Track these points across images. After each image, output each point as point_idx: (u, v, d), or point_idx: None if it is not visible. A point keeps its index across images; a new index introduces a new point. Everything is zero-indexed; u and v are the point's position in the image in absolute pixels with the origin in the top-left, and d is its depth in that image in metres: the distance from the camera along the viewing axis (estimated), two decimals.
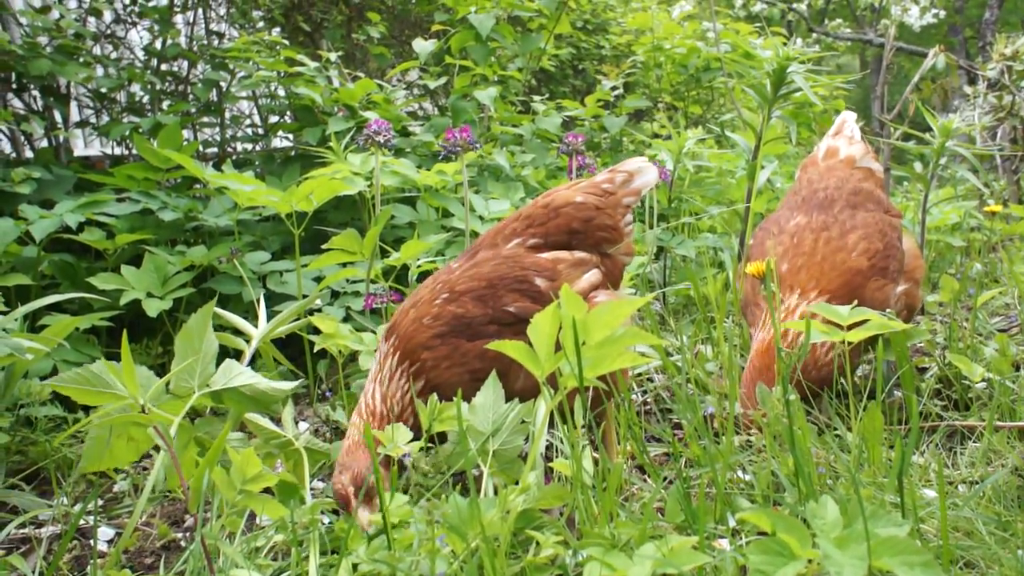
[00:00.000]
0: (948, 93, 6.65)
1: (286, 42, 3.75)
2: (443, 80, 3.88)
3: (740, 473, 1.44)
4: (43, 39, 3.56)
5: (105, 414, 1.44)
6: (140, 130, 3.45)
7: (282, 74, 3.70)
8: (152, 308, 2.40)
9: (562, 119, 4.63)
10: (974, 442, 1.67)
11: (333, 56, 3.67)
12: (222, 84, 4.15)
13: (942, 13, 9.45)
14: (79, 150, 4.62)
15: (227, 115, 4.37)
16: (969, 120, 6.66)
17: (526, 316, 1.55)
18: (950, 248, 3.55)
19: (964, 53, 17.17)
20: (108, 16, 4.41)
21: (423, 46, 3.76)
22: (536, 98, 4.05)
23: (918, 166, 5.63)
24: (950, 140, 2.86)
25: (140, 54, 4.39)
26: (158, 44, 4.16)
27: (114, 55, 4.35)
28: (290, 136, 4.52)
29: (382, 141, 2.16)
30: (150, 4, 4.15)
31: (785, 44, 10.41)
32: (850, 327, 1.61)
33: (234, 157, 4.26)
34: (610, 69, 4.42)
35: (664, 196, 3.24)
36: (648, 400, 2.09)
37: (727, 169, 3.14)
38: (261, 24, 4.96)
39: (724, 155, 3.33)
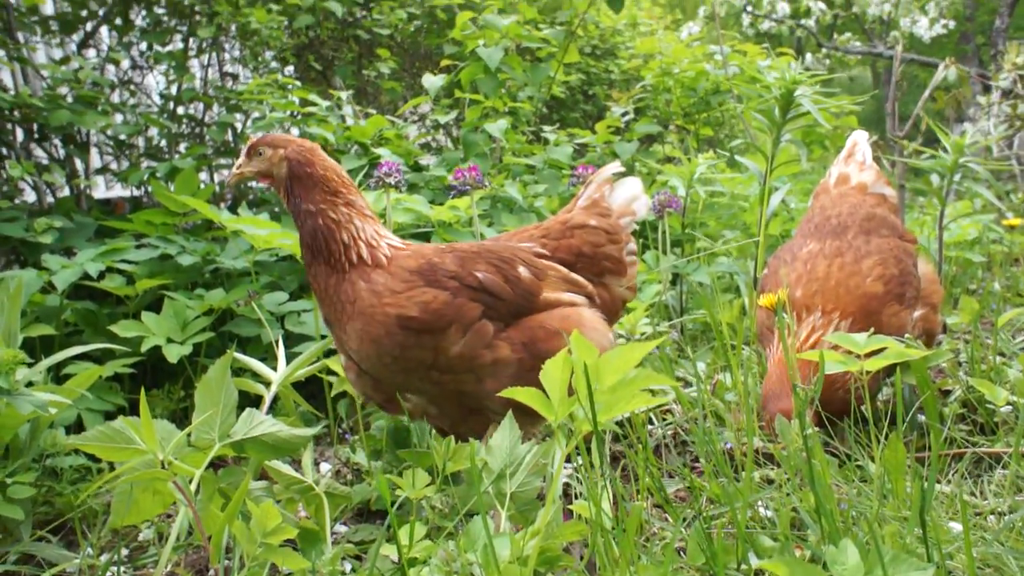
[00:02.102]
0: (962, 103, 6.62)
1: (298, 82, 3.81)
2: (453, 115, 3.92)
3: (761, 509, 1.43)
4: (63, 89, 3.65)
5: (129, 469, 1.46)
6: (157, 175, 3.51)
7: (296, 114, 3.76)
8: (172, 354, 2.43)
9: (574, 147, 4.66)
10: (1002, 469, 1.64)
11: (344, 95, 3.72)
12: (237, 125, 4.23)
13: (951, 24, 9.42)
14: (101, 192, 4.71)
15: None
16: (984, 130, 6.62)
17: (489, 288, 1.59)
18: (970, 263, 3.51)
19: (977, 60, 17.09)
20: (125, 63, 4.52)
21: (432, 81, 3.80)
22: (546, 128, 4.08)
23: (935, 179, 5.58)
24: (963, 156, 2.84)
25: (157, 99, 4.48)
26: (174, 89, 4.25)
27: (132, 101, 4.45)
28: None
29: (393, 182, 2.18)
30: (165, 50, 4.24)
31: (794, 61, 10.40)
32: (867, 355, 1.60)
33: (251, 197, 4.33)
34: (620, 95, 4.45)
35: (677, 222, 3.24)
36: (667, 433, 2.08)
37: (739, 193, 3.14)
38: (274, 64, 5.06)
39: (736, 179, 3.33)
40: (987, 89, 6.44)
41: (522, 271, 1.64)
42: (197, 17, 4.24)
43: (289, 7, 4.24)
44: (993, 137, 5.97)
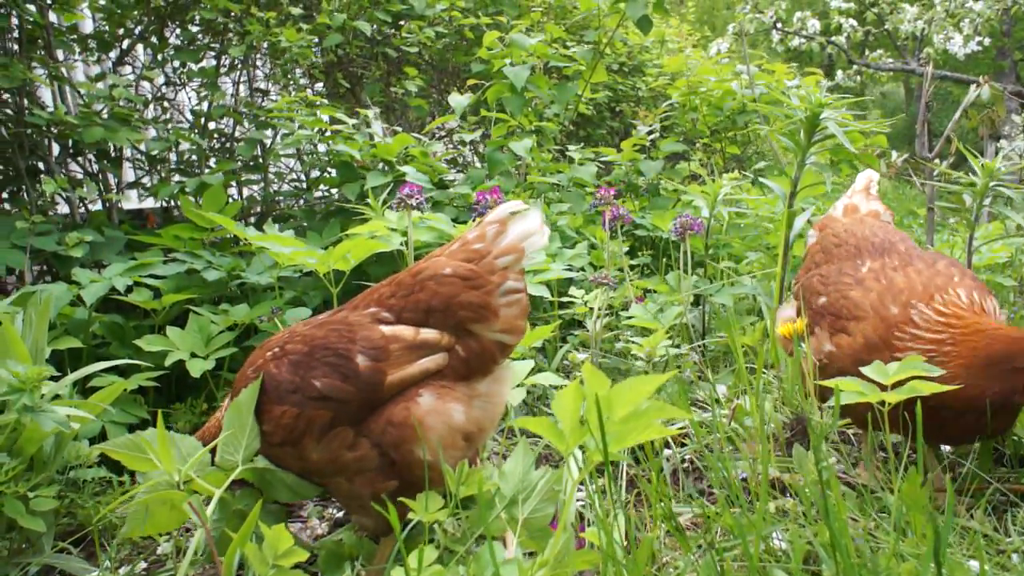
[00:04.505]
0: (996, 122, 6.50)
1: (325, 101, 3.86)
2: (479, 133, 3.94)
3: (777, 541, 1.41)
4: (98, 106, 3.73)
5: (151, 485, 1.48)
6: (186, 190, 3.57)
7: (323, 131, 3.81)
8: (195, 369, 2.47)
9: (598, 165, 4.65)
10: None
11: (371, 113, 3.77)
12: (266, 141, 4.29)
13: (986, 40, 9.26)
14: (134, 203, 4.80)
15: (271, 171, 4.51)
16: (1020, 149, 6.49)
17: (330, 395, 1.53)
18: (1001, 288, 3.45)
19: (1015, 76, 16.81)
20: (159, 79, 4.62)
21: (458, 100, 3.83)
22: (571, 148, 4.08)
23: (967, 198, 5.47)
24: (993, 180, 2.80)
25: (189, 115, 4.57)
26: (205, 105, 4.33)
27: (164, 116, 4.54)
28: (333, 190, 4.64)
29: (414, 204, 2.20)
30: (197, 67, 4.33)
31: (824, 79, 10.22)
32: (893, 386, 1.56)
33: (277, 212, 4.38)
34: (645, 113, 4.44)
35: (700, 243, 3.23)
36: (685, 458, 2.06)
37: (764, 214, 3.12)
38: (304, 80, 5.13)
39: (762, 199, 3.30)
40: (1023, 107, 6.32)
41: (360, 361, 1.55)
42: (230, 35, 4.33)
43: (319, 26, 4.30)
44: None
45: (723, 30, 10.38)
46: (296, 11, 4.21)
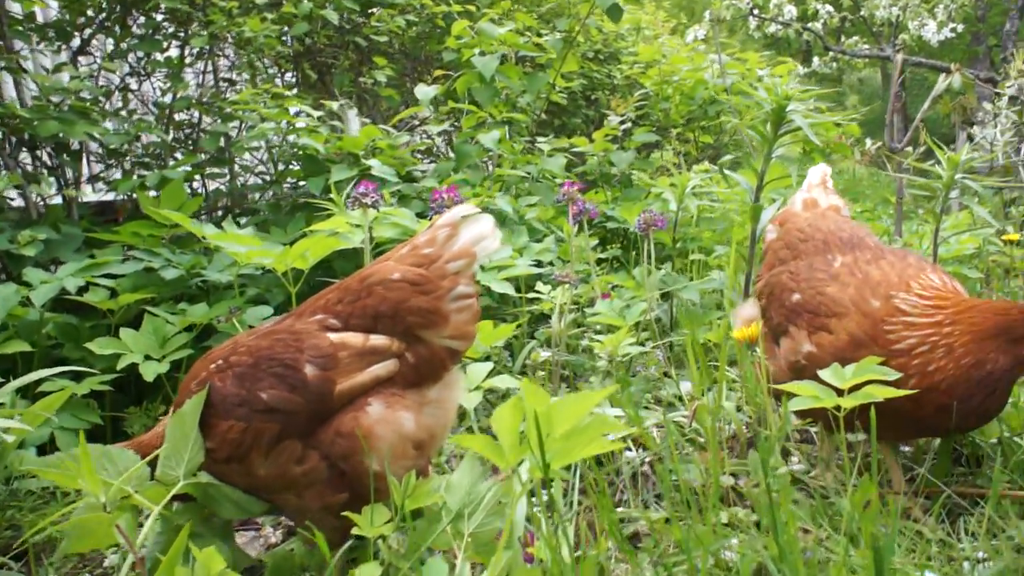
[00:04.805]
0: (967, 110, 6.53)
1: (290, 92, 3.78)
2: (447, 125, 3.88)
3: (729, 553, 1.39)
4: (57, 97, 3.63)
5: (88, 505, 1.43)
6: (147, 184, 3.49)
7: (290, 124, 3.73)
8: (149, 372, 2.41)
9: (569, 156, 4.61)
10: (983, 507, 1.59)
11: (335, 105, 3.69)
12: (232, 133, 4.21)
13: (960, 27, 9.29)
14: (99, 195, 4.70)
15: (239, 163, 4.42)
16: (991, 137, 6.53)
17: (278, 407, 1.48)
18: (967, 280, 3.45)
19: (988, 62, 16.90)
20: (124, 69, 4.51)
21: (425, 91, 3.77)
22: (541, 139, 4.03)
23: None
24: (959, 173, 2.79)
25: (153, 106, 4.47)
26: (169, 97, 4.23)
27: (128, 108, 4.44)
28: (302, 182, 4.57)
29: (369, 203, 2.15)
30: (161, 58, 4.23)
31: (801, 67, 10.15)
32: (850, 390, 1.54)
33: (244, 205, 4.31)
34: (617, 103, 4.40)
35: (668, 237, 3.20)
36: (647, 460, 2.04)
37: (732, 208, 3.09)
38: (273, 70, 5.03)
39: (734, 191, 3.27)
40: (997, 93, 6.34)
41: (308, 371, 1.50)
42: (195, 25, 4.23)
43: (285, 15, 4.21)
44: (1000, 144, 5.88)
45: (700, 17, 10.34)
46: (261, 0, 4.11)
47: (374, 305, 1.59)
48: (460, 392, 1.66)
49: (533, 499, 1.59)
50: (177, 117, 4.33)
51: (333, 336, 1.57)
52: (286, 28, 4.40)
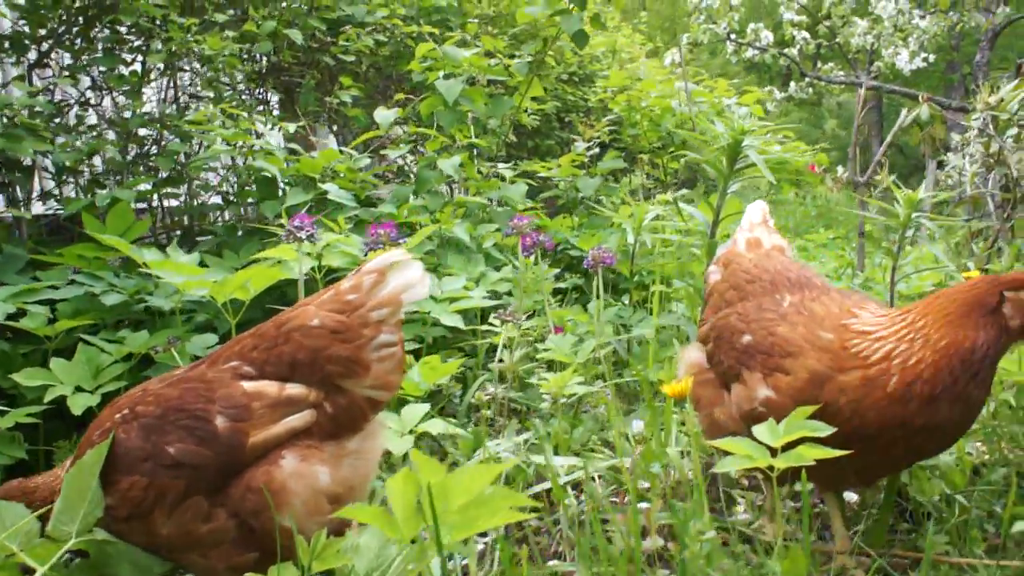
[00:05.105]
0: (936, 141, 6.57)
1: (244, 114, 3.71)
2: (405, 150, 3.82)
3: None
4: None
5: None
6: (96, 204, 3.39)
7: (251, 145, 3.65)
8: (77, 405, 2.31)
9: (537, 181, 4.56)
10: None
11: (292, 127, 3.63)
12: (191, 152, 4.12)
13: (931, 57, 9.40)
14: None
15: (196, 183, 4.33)
16: (960, 167, 6.57)
17: (186, 461, 1.42)
18: None
19: (963, 90, 17.15)
20: (85, 83, 4.42)
21: (384, 116, 3.72)
22: (502, 165, 3.98)
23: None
24: (916, 212, 2.76)
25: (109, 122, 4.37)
26: (129, 112, 4.14)
27: (87, 123, 4.34)
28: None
29: (303, 237, 2.08)
30: (121, 73, 4.15)
31: (775, 92, 10.20)
32: (784, 447, 1.48)
33: (200, 226, 4.22)
34: (584, 128, 4.36)
35: (626, 268, 3.15)
36: (585, 509, 1.97)
37: (688, 242, 3.05)
38: (243, 86, 4.96)
39: (696, 222, 3.23)
40: (962, 125, 6.39)
41: (219, 423, 1.44)
42: (155, 41, 4.15)
43: (247, 33, 4.14)
44: (967, 175, 5.91)
45: (677, 40, 10.39)
46: (221, 17, 4.04)
47: (291, 352, 1.53)
48: (382, 442, 1.59)
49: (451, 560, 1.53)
50: (142, 133, 4.24)
51: (247, 385, 1.50)
52: (251, 46, 4.34)
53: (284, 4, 4.43)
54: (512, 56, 4.70)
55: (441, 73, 3.97)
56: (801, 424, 1.47)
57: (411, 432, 1.94)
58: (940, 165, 7.37)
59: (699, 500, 1.29)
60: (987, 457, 1.90)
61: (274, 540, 1.41)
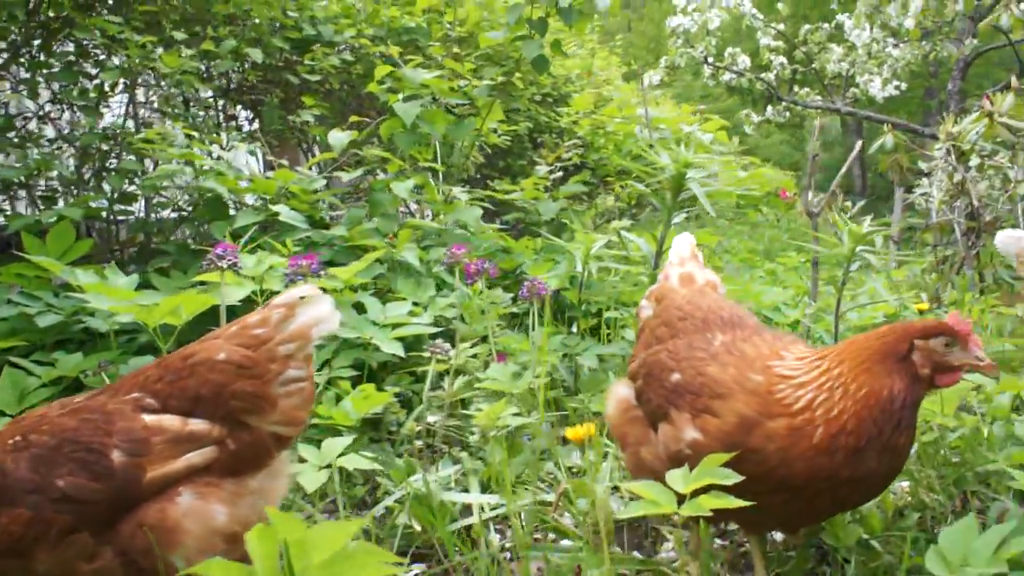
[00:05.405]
0: (903, 168, 6.63)
1: (195, 133, 3.67)
2: (360, 172, 3.80)
3: None
4: None
5: None
6: (41, 221, 3.34)
7: (193, 164, 3.61)
8: None
9: (500, 204, 4.55)
10: None
11: (243, 147, 3.60)
12: (146, 170, 4.08)
13: (903, 85, 9.51)
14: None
15: (154, 201, 4.28)
16: (928, 195, 6.62)
17: (75, 496, 1.37)
18: None
19: (941, 116, 17.35)
20: (44, 96, 4.38)
21: (338, 138, 3.69)
22: (457, 190, 3.96)
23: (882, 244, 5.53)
24: (861, 246, 2.76)
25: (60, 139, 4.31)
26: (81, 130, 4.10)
27: (45, 138, 4.29)
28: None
29: (225, 265, 2.05)
30: (84, 87, 4.11)
31: (752, 115, 10.25)
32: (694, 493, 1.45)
33: (154, 245, 4.17)
34: (546, 153, 4.36)
35: (575, 296, 3.13)
36: (507, 546, 1.94)
37: (638, 272, 3.05)
38: (210, 102, 4.92)
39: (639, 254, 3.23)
40: (926, 154, 6.46)
41: (116, 457, 1.39)
42: (113, 58, 4.12)
43: (205, 52, 4.12)
44: (935, 201, 5.97)
45: (655, 63, 10.46)
46: (179, 36, 4.02)
47: (195, 387, 1.49)
48: (286, 480, 1.56)
49: None
50: (104, 148, 4.20)
51: (148, 418, 1.46)
52: (210, 63, 4.31)
53: (247, 23, 4.40)
54: (481, 79, 4.70)
55: (401, 95, 3.96)
56: (711, 472, 1.45)
57: (328, 466, 1.90)
58: (909, 191, 7.41)
59: (604, 541, 1.26)
60: (910, 499, 1.88)
61: None
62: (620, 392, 2.02)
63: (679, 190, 2.61)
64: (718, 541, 2.04)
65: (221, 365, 1.50)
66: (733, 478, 1.45)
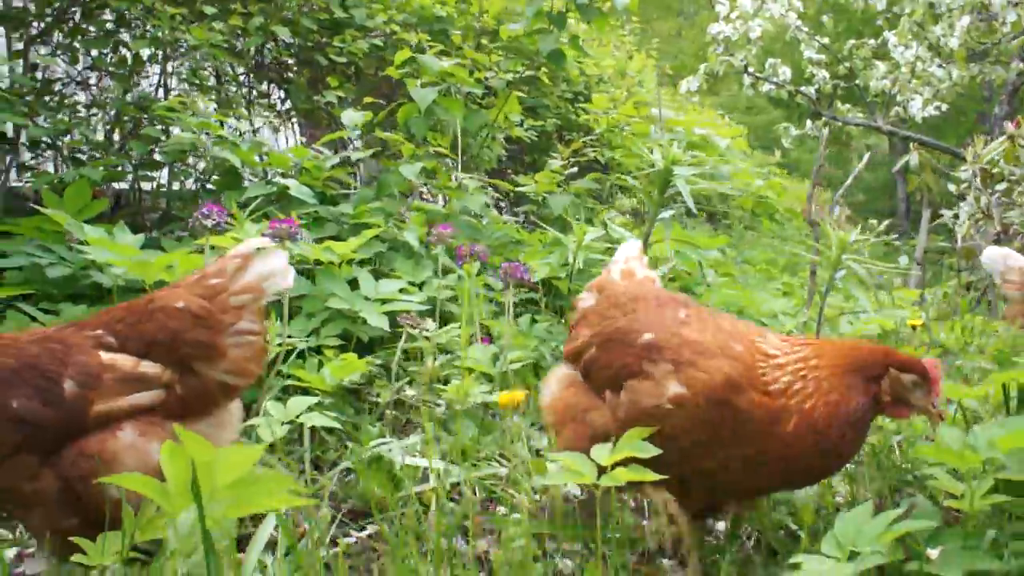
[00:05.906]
0: (931, 188, 6.54)
1: (214, 105, 3.80)
2: (370, 152, 3.89)
3: None
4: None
5: None
6: (64, 181, 3.49)
7: (208, 134, 3.73)
8: None
9: (512, 197, 4.61)
10: None
11: (258, 121, 3.71)
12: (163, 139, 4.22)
13: (943, 107, 9.33)
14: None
15: (177, 168, 4.43)
16: (956, 218, 6.53)
17: (26, 418, 1.45)
18: None
19: (972, 140, 16.92)
20: (83, 62, 4.55)
21: (352, 117, 3.79)
22: (463, 176, 4.03)
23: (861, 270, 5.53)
24: (846, 254, 2.78)
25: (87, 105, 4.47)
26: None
27: (81, 103, 4.46)
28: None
29: (210, 224, 2.15)
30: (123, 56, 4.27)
31: (789, 128, 10.05)
32: (615, 466, 1.50)
33: (175, 212, 4.31)
34: (562, 148, 4.41)
35: (564, 285, 3.19)
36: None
37: None
38: (242, 78, 5.07)
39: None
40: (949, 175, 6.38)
41: (68, 387, 1.48)
42: (148, 28, 4.27)
43: (233, 27, 4.25)
44: (961, 226, 5.89)
45: (694, 67, 10.39)
46: (210, 9, 4.15)
47: (152, 331, 1.58)
48: (233, 432, 1.64)
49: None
50: (134, 116, 4.35)
51: (105, 356, 1.56)
52: (239, 39, 4.45)
53: (277, 2, 4.53)
54: (506, 71, 4.76)
55: (419, 81, 4.04)
56: (630, 445, 1.50)
57: (290, 421, 1.99)
58: (936, 215, 7.28)
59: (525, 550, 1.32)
60: (850, 499, 1.91)
61: (97, 508, 1.46)
62: (560, 371, 2.03)
63: (666, 186, 2.65)
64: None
65: (178, 313, 1.59)
66: (651, 451, 1.50)
